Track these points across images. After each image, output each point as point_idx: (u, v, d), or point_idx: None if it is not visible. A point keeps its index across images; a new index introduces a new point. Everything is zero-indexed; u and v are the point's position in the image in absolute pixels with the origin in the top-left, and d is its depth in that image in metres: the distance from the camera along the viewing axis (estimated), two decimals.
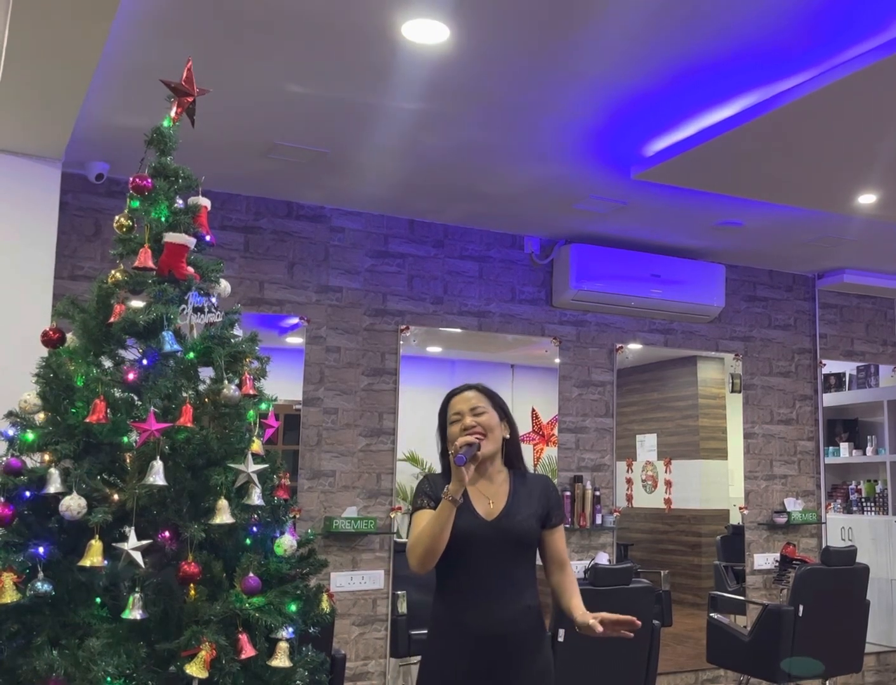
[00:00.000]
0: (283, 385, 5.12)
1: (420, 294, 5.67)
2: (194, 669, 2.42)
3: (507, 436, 2.88)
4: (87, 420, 2.57)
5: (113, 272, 2.80)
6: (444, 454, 2.89)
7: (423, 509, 2.76)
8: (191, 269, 2.83)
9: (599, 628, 2.59)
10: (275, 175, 4.88)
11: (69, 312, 2.85)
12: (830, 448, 7.18)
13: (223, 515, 2.58)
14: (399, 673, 5.37)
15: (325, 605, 2.82)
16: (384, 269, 5.58)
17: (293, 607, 2.67)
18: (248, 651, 2.51)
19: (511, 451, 2.90)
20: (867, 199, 4.87)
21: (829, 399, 7.13)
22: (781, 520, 6.51)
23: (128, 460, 2.65)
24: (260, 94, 3.84)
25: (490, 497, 2.79)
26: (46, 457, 2.65)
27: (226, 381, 2.71)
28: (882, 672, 6.85)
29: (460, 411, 2.83)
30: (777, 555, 6.51)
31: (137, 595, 2.48)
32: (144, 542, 2.48)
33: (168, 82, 2.89)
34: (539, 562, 2.87)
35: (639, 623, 2.60)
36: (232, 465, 2.64)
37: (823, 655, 5.04)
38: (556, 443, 5.99)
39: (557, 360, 6.05)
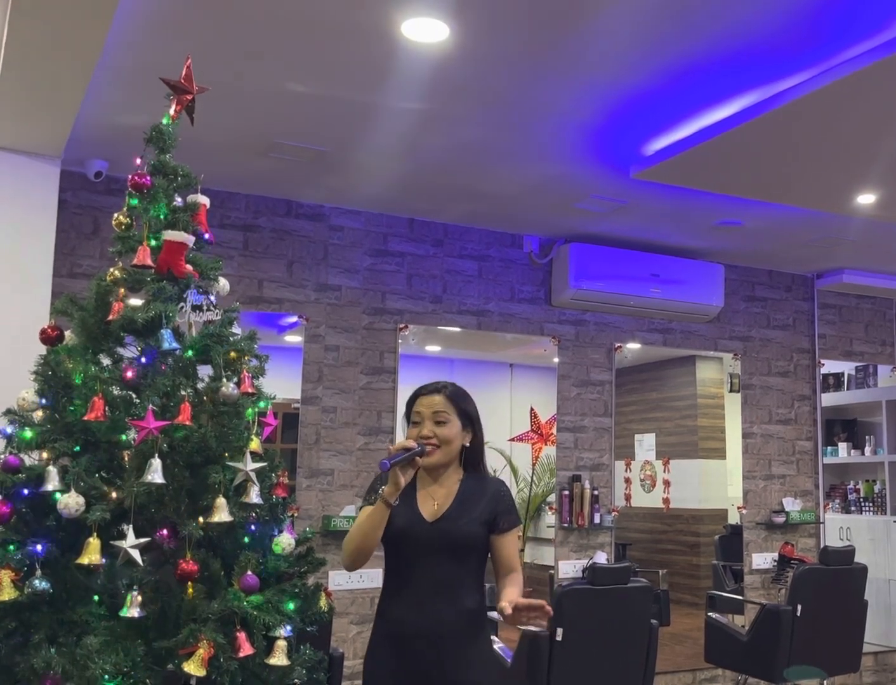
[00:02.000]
0: (282, 383, 5.12)
1: (419, 293, 5.67)
2: (192, 667, 2.42)
3: (467, 444, 2.81)
4: (86, 418, 2.57)
5: (112, 270, 2.80)
6: None
7: (369, 505, 2.73)
8: (189, 267, 2.83)
9: (508, 611, 2.45)
10: (274, 173, 4.88)
11: (68, 310, 2.85)
12: (829, 448, 7.18)
13: (221, 513, 2.58)
14: None
15: (323, 604, 2.83)
16: (383, 267, 5.58)
17: (291, 605, 2.67)
18: (246, 649, 2.51)
19: (471, 457, 2.84)
20: (866, 199, 4.87)
21: (828, 399, 7.13)
22: (780, 519, 6.51)
23: (126, 458, 2.66)
24: (259, 92, 3.84)
25: (436, 498, 2.75)
26: (45, 455, 2.65)
27: (224, 380, 2.71)
28: (880, 672, 6.85)
29: (422, 414, 2.76)
30: (775, 555, 6.51)
31: (135, 593, 2.48)
32: (143, 540, 2.48)
33: (167, 80, 2.89)
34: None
35: (550, 611, 2.45)
36: (230, 464, 2.64)
37: (821, 655, 5.04)
38: (555, 443, 5.99)
39: (556, 360, 6.05)
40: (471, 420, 2.83)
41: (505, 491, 2.83)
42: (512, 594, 2.63)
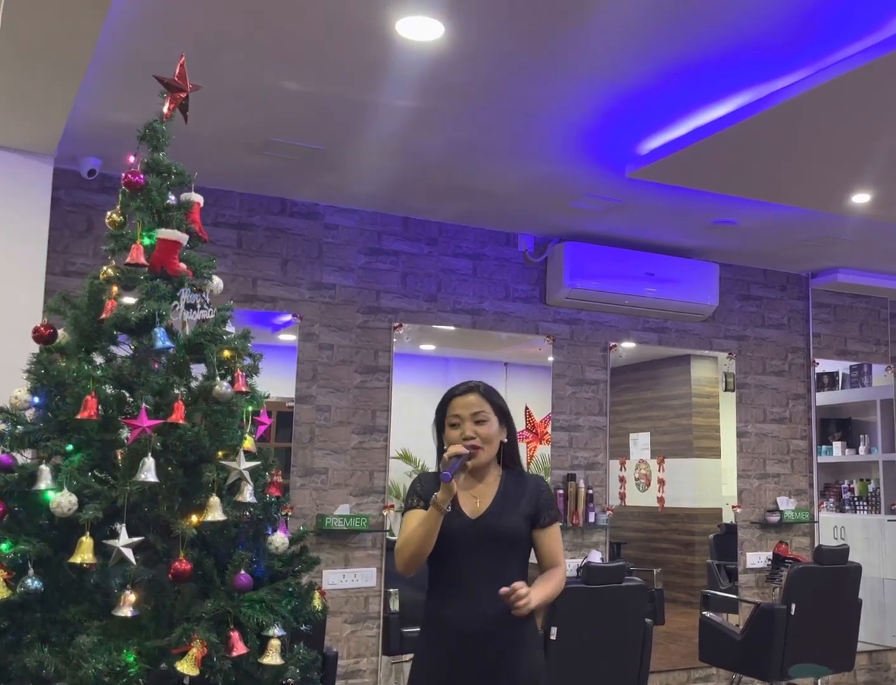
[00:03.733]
0: (276, 382, 5.11)
1: (414, 291, 5.66)
2: (185, 667, 2.41)
3: (505, 440, 2.85)
4: (79, 416, 2.56)
5: (105, 268, 2.79)
6: (439, 451, 2.87)
7: (413, 509, 2.76)
8: (183, 266, 2.82)
9: (504, 590, 2.56)
10: (269, 172, 4.87)
11: (61, 308, 2.84)
12: (823, 447, 7.18)
13: (215, 512, 2.57)
14: (391, 671, 5.36)
15: (317, 603, 2.82)
16: (378, 266, 5.57)
17: (285, 605, 2.66)
18: (240, 648, 2.51)
19: (507, 453, 2.87)
20: (861, 198, 4.87)
21: (823, 398, 7.13)
22: (774, 518, 6.52)
23: (119, 457, 2.64)
24: (254, 90, 3.83)
25: (478, 496, 2.78)
26: (37, 454, 2.64)
27: (218, 378, 2.70)
28: (874, 671, 6.86)
29: (461, 416, 2.78)
30: (770, 554, 6.52)
31: (128, 592, 2.47)
32: (136, 539, 2.47)
33: (161, 78, 2.88)
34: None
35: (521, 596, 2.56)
36: (224, 462, 2.64)
37: (816, 654, 5.04)
38: (550, 442, 5.99)
39: (551, 359, 6.05)
40: (505, 415, 2.86)
41: (545, 486, 2.89)
42: (539, 585, 2.70)
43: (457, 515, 2.73)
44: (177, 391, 2.64)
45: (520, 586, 2.57)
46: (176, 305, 2.75)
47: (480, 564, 2.70)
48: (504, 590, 2.55)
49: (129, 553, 2.45)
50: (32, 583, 2.47)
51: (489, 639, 2.67)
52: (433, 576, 2.78)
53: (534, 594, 2.63)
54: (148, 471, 2.49)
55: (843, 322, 7.13)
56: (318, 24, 3.25)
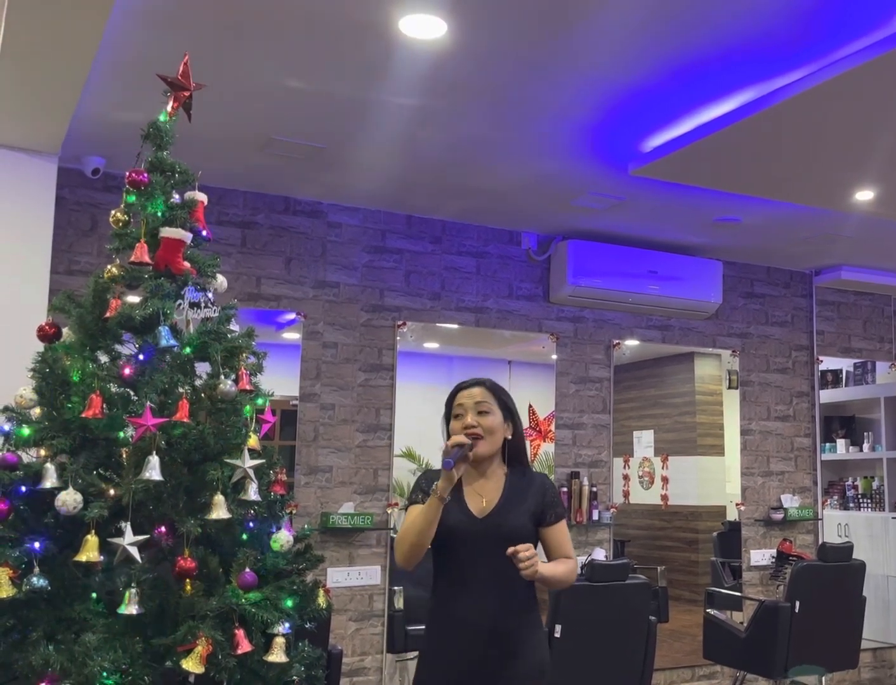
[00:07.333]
0: (280, 380, 5.09)
1: (417, 290, 5.66)
2: (190, 664, 2.42)
3: (509, 437, 2.86)
4: (84, 415, 2.57)
5: (109, 267, 2.80)
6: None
7: (416, 504, 2.77)
8: (187, 264, 2.82)
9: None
10: (272, 170, 4.88)
11: (65, 307, 2.85)
12: (827, 444, 7.18)
13: (219, 510, 2.57)
14: (395, 668, 5.37)
15: (321, 601, 2.82)
16: (381, 264, 5.57)
17: (290, 602, 2.67)
18: (245, 646, 2.51)
19: (513, 450, 2.88)
20: (864, 195, 4.87)
21: (826, 395, 7.13)
22: (778, 516, 6.52)
23: (124, 455, 2.65)
24: (257, 89, 3.83)
25: (484, 494, 2.79)
26: (42, 452, 2.65)
27: (222, 377, 2.71)
28: (878, 668, 6.86)
29: (464, 405, 2.81)
30: (774, 552, 6.51)
31: (133, 590, 2.48)
32: (140, 538, 2.48)
33: (165, 77, 2.89)
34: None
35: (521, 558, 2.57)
36: (228, 461, 2.64)
37: (820, 652, 5.04)
38: (553, 440, 5.99)
39: (554, 356, 6.05)
40: (510, 412, 2.88)
41: (549, 484, 2.91)
42: (551, 564, 2.75)
43: (463, 514, 2.74)
44: (181, 389, 2.65)
45: (525, 548, 2.58)
46: (180, 304, 2.76)
47: (486, 563, 2.70)
48: (511, 549, 2.56)
49: (134, 551, 2.46)
50: (38, 581, 2.48)
51: (494, 637, 2.68)
52: (438, 574, 2.79)
53: (543, 566, 2.65)
54: (153, 470, 2.50)
55: (846, 319, 7.12)
56: (321, 22, 3.25)
